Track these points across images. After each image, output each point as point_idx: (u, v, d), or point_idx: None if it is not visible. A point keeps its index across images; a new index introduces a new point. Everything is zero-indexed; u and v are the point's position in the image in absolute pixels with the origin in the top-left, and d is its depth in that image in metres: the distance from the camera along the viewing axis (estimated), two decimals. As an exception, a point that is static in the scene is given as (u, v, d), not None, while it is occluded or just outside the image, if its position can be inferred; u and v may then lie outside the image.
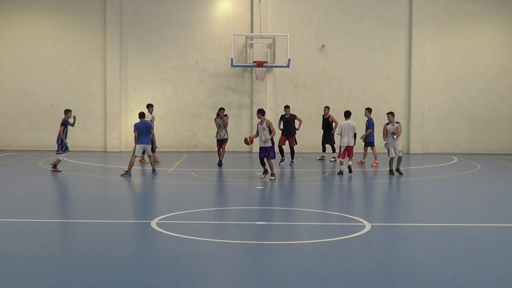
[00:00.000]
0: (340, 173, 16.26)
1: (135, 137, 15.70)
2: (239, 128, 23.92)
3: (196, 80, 24.10)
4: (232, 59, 22.58)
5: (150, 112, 18.79)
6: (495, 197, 13.16)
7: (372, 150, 19.02)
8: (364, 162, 18.97)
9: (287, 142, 18.85)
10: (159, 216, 10.11)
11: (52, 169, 16.36)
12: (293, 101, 23.98)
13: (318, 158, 20.53)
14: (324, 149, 20.36)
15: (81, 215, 10.49)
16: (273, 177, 14.84)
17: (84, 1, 23.97)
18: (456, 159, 21.37)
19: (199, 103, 23.99)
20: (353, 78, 24.13)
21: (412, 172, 18.72)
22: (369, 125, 18.92)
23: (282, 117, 19.21)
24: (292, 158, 18.74)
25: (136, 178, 15.74)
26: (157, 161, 18.24)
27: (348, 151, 16.33)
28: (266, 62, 22.83)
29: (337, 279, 6.77)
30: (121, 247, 8.33)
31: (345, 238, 8.66)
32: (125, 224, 9.93)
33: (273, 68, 23.65)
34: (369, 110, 19.31)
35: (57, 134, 16.56)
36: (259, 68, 22.71)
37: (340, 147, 16.47)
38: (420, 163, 20.72)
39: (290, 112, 19.10)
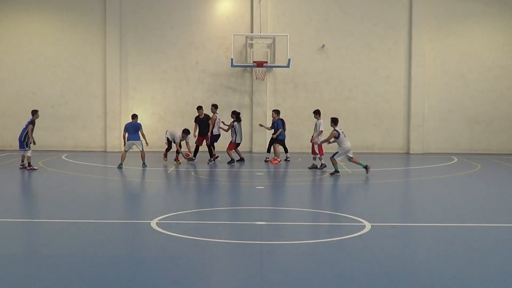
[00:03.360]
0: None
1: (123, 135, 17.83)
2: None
3: (196, 80, 24.11)
4: (232, 59, 22.58)
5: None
6: (495, 197, 13.16)
7: (276, 148, 19.39)
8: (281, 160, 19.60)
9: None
10: (159, 216, 10.11)
11: (28, 168, 16.78)
12: (293, 101, 24.00)
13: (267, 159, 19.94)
14: (269, 150, 20.22)
15: (81, 215, 10.49)
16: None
17: (84, 1, 23.98)
18: (456, 159, 21.37)
19: (199, 103, 23.93)
20: (353, 78, 24.14)
21: (412, 172, 18.73)
22: (278, 126, 19.28)
23: (196, 118, 19.77)
24: (211, 156, 19.18)
25: (135, 178, 15.75)
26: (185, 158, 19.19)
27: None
28: (266, 62, 22.82)
29: (337, 279, 6.77)
30: (121, 247, 8.33)
31: (345, 238, 8.66)
32: (125, 224, 9.93)
33: (273, 68, 23.65)
34: (276, 112, 19.70)
35: (25, 131, 16.84)
36: (259, 68, 22.71)
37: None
38: (420, 163, 20.72)
39: (204, 113, 19.74)
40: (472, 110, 24.27)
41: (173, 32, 23.97)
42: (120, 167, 17.32)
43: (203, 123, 19.50)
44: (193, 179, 15.83)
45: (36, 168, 16.99)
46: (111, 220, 10.27)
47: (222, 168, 17.92)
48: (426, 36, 23.96)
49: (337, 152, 15.89)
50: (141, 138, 17.70)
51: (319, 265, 7.32)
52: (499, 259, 7.69)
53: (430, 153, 24.02)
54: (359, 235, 8.80)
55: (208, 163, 18.84)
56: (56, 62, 24.14)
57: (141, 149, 17.81)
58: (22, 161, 17.04)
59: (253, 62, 22.77)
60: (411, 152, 23.94)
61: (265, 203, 12.34)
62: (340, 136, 15.80)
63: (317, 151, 17.58)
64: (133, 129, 17.68)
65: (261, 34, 23.01)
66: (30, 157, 16.87)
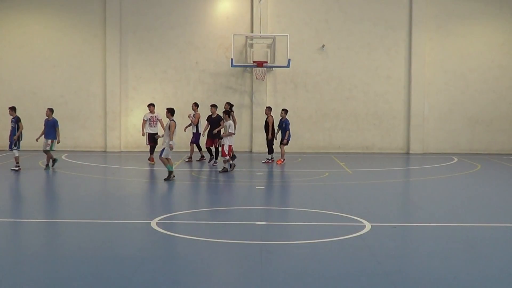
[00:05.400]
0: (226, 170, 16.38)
1: (58, 132, 17.13)
2: (239, 128, 23.87)
3: (196, 80, 24.10)
4: (232, 59, 22.57)
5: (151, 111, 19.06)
6: (495, 197, 13.16)
7: (282, 149, 19.18)
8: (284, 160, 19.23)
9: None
10: (159, 216, 10.11)
11: (15, 168, 16.50)
12: (293, 101, 24.00)
13: (264, 161, 19.61)
14: (272, 151, 19.68)
15: (81, 215, 10.49)
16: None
17: (84, 2, 23.97)
18: (456, 159, 21.37)
19: (199, 103, 23.90)
20: (353, 78, 24.14)
21: (412, 172, 18.74)
22: (286, 126, 18.98)
23: (209, 117, 18.68)
24: (216, 158, 18.48)
25: (135, 178, 15.73)
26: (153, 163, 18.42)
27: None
28: (266, 62, 22.82)
29: (337, 279, 6.77)
30: (121, 247, 8.32)
31: (345, 238, 8.66)
32: (125, 224, 9.93)
33: (273, 68, 23.65)
34: (285, 111, 19.35)
35: (15, 131, 16.72)
36: (259, 68, 22.70)
37: (231, 146, 16.58)
38: (420, 163, 20.73)
39: (217, 112, 18.68)
40: (472, 110, 24.27)
41: (173, 32, 23.97)
42: (51, 165, 16.95)
43: (215, 123, 18.29)
44: (193, 179, 15.82)
45: (17, 169, 16.51)
46: (111, 220, 10.27)
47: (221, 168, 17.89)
48: (426, 36, 23.96)
49: (164, 149, 14.64)
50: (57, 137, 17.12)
51: (319, 265, 7.32)
52: (499, 259, 7.69)
53: (430, 153, 24.02)
54: (359, 235, 8.81)
55: (213, 164, 18.46)
56: (56, 62, 24.14)
57: (47, 149, 17.08)
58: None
59: (253, 62, 22.77)
60: (411, 152, 23.93)
61: (265, 203, 12.34)
62: (176, 128, 14.74)
63: (226, 153, 16.43)
64: (46, 125, 17.13)
65: (261, 34, 23.01)
66: (17, 157, 16.70)
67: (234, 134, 16.50)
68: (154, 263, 7.33)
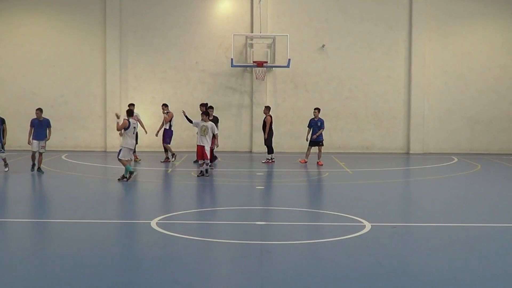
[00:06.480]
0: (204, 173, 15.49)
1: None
2: (239, 128, 23.92)
3: (196, 80, 24.10)
4: (232, 59, 22.57)
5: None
6: (495, 197, 13.16)
7: (320, 149, 18.98)
8: (307, 161, 19.03)
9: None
10: (159, 216, 10.11)
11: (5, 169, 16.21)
12: (293, 101, 24.00)
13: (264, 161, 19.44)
14: (271, 151, 19.50)
15: (81, 215, 10.49)
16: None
17: (84, 1, 23.97)
18: (456, 159, 21.37)
19: (199, 103, 23.90)
20: (353, 78, 24.14)
21: (412, 172, 18.74)
22: (321, 124, 18.89)
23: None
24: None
25: (135, 178, 15.71)
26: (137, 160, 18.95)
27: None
28: (266, 62, 22.82)
29: (337, 279, 6.77)
30: (121, 247, 8.33)
31: (345, 238, 8.66)
32: (125, 224, 9.93)
33: (273, 68, 23.65)
34: (318, 110, 19.22)
35: (4, 133, 16.39)
36: (259, 68, 22.70)
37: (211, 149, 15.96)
38: (420, 163, 20.73)
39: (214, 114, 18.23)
40: (472, 110, 24.26)
41: (173, 32, 23.97)
42: (33, 169, 16.21)
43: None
44: (192, 179, 15.81)
45: (6, 170, 16.30)
46: (111, 220, 10.27)
47: (222, 168, 17.90)
48: (426, 36, 23.96)
49: (121, 150, 14.50)
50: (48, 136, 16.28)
51: (319, 265, 7.32)
52: (499, 259, 7.69)
53: (430, 153, 24.02)
54: (359, 235, 8.80)
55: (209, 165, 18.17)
56: (56, 62, 24.14)
57: (43, 151, 16.22)
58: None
59: (253, 62, 22.77)
60: (411, 152, 23.93)
61: (265, 203, 12.34)
62: (129, 129, 14.45)
63: (208, 155, 15.58)
64: (39, 126, 16.19)
65: (261, 34, 23.01)
66: (4, 158, 16.44)
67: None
68: (154, 263, 7.33)
